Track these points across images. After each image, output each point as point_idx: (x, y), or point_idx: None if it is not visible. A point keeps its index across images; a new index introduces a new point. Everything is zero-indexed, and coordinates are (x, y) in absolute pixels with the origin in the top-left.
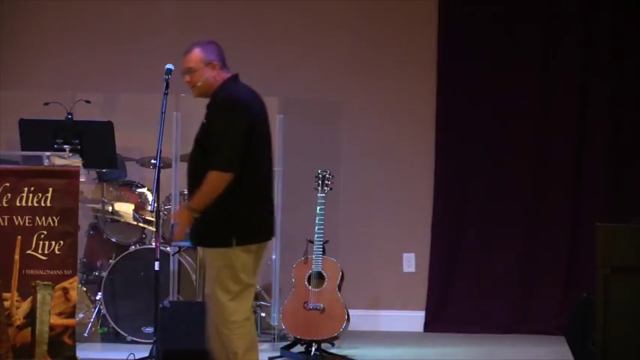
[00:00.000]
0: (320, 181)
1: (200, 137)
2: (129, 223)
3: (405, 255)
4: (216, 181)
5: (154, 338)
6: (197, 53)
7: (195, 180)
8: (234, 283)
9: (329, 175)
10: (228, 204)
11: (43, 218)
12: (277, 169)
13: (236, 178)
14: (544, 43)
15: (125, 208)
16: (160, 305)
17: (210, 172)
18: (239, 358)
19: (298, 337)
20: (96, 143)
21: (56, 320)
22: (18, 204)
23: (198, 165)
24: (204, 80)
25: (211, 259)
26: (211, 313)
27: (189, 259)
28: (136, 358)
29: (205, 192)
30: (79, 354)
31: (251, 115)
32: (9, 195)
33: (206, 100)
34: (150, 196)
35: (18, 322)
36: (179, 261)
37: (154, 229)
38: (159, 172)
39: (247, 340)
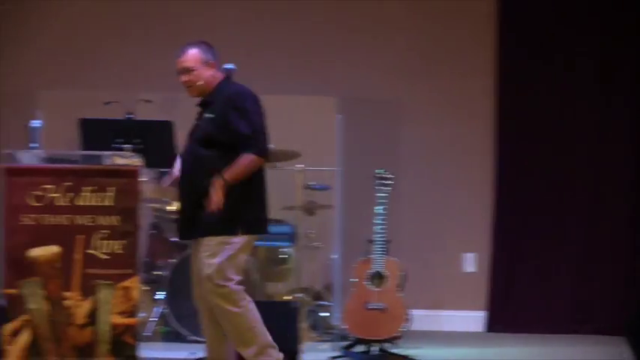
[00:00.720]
0: (379, 181)
1: (209, 133)
2: None
3: (465, 255)
4: (250, 164)
5: None
6: (195, 53)
7: (201, 176)
8: (237, 270)
9: (389, 174)
10: (236, 194)
11: (104, 217)
12: (336, 169)
13: None
14: (605, 42)
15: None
16: None
17: (248, 155)
18: (258, 331)
19: (359, 336)
20: (156, 143)
21: (118, 319)
22: (79, 203)
23: (205, 161)
24: (205, 79)
25: (217, 249)
26: (215, 306)
27: (251, 259)
28: (197, 357)
29: (238, 172)
30: (140, 353)
31: (263, 108)
32: (70, 194)
33: None
34: None
35: (79, 322)
36: None
37: None
38: None
39: (257, 314)
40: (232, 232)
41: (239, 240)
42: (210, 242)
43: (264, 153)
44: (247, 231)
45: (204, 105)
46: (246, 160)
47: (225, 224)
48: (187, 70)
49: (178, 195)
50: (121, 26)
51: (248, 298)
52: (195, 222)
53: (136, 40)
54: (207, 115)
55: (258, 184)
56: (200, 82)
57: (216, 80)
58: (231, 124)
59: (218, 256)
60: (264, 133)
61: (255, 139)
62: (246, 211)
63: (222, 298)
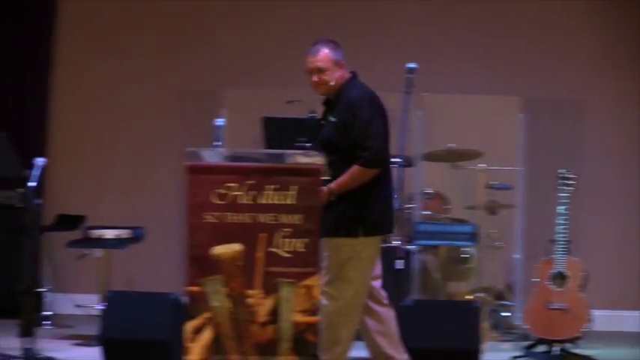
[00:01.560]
0: (562, 181)
1: (329, 137)
2: None
3: None
4: (360, 176)
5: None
6: (327, 54)
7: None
8: (359, 275)
9: (571, 174)
10: (359, 195)
11: (287, 216)
12: (518, 168)
13: None
14: None
15: None
16: (403, 304)
17: (356, 166)
18: (340, 351)
19: (541, 336)
20: None
21: (299, 318)
22: (262, 202)
23: (326, 166)
24: (336, 80)
25: (338, 250)
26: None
27: (433, 258)
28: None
29: (346, 184)
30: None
31: (385, 111)
32: (253, 193)
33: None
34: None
35: (261, 320)
36: (422, 260)
37: (397, 228)
38: (401, 171)
39: (352, 335)
40: (353, 234)
41: (360, 241)
42: (331, 243)
43: (374, 165)
44: (369, 232)
45: (329, 105)
46: (355, 171)
47: (347, 225)
48: (320, 70)
49: None
50: (304, 26)
51: (357, 312)
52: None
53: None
54: (330, 119)
55: (382, 185)
56: (331, 83)
57: (343, 80)
58: (349, 131)
59: (338, 257)
60: (379, 143)
61: (367, 150)
62: (368, 212)
63: (330, 298)
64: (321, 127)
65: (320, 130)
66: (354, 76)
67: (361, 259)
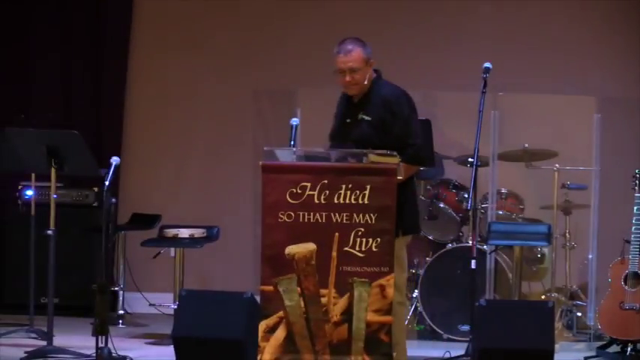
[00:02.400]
0: (637, 181)
1: (365, 136)
2: (446, 221)
3: None
4: (405, 174)
5: (470, 336)
6: (360, 53)
7: None
8: (399, 274)
9: None
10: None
11: (361, 215)
12: (594, 168)
13: None
14: None
15: (442, 206)
16: (476, 303)
17: (403, 164)
18: (397, 350)
19: (614, 337)
20: None
21: (372, 317)
22: (336, 201)
23: None
24: (368, 79)
25: None
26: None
27: (506, 258)
28: (452, 356)
29: None
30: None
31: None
32: (327, 192)
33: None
34: (467, 195)
35: (335, 319)
36: (495, 260)
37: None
38: (476, 171)
39: (404, 333)
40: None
41: (398, 241)
42: None
43: (417, 161)
44: (405, 232)
45: (356, 103)
46: (402, 171)
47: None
48: (352, 70)
49: None
50: (379, 25)
51: (402, 317)
52: None
53: (396, 40)
54: (363, 117)
55: (412, 184)
56: (364, 82)
57: (371, 78)
58: (388, 130)
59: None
60: (420, 141)
61: (410, 147)
62: (404, 212)
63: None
64: (346, 125)
65: (345, 129)
66: (379, 74)
67: (399, 257)
